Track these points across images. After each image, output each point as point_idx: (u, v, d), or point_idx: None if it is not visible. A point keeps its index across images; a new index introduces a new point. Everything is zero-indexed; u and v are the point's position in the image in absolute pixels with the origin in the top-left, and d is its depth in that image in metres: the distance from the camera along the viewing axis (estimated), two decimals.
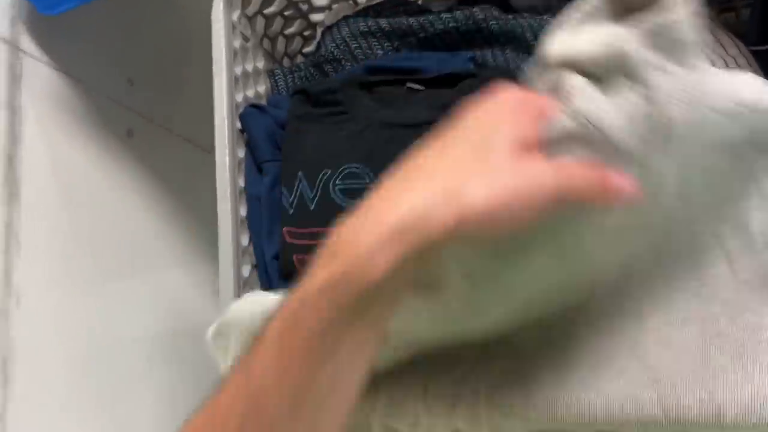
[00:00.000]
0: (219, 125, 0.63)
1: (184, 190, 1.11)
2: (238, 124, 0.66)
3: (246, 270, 0.64)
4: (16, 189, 0.76)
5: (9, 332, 0.71)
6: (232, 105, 0.64)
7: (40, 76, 0.83)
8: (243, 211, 0.65)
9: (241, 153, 0.66)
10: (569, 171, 0.30)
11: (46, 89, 0.84)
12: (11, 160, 0.77)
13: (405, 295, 0.29)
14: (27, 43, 0.81)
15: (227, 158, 0.63)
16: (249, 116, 0.67)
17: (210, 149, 1.25)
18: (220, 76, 0.64)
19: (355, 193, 0.62)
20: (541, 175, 0.28)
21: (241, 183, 0.66)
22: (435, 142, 0.31)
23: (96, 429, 0.80)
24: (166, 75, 1.13)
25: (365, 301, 0.26)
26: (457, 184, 0.27)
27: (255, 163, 0.67)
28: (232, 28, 0.66)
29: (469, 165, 0.28)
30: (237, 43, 0.67)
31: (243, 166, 0.66)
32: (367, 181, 0.62)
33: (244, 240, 0.65)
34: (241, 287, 0.62)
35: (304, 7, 0.74)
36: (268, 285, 0.66)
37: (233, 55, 0.65)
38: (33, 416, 0.71)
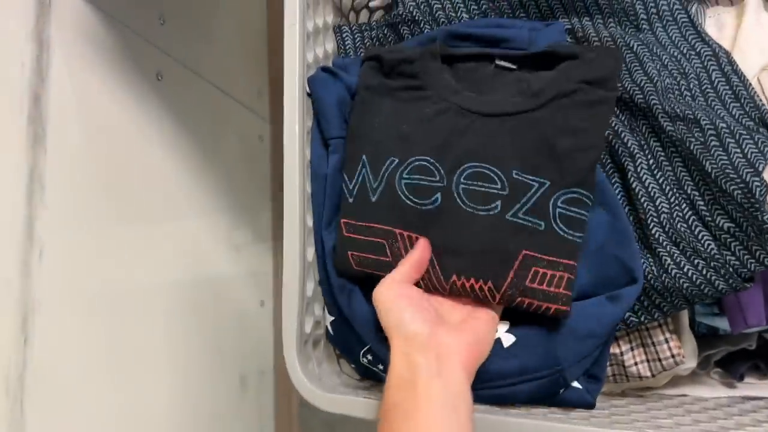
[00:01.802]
0: (289, 89, 0.56)
1: (208, 139, 1.07)
2: (308, 88, 0.59)
3: (310, 253, 0.57)
4: (41, 130, 0.71)
5: (31, 289, 0.67)
6: (304, 66, 0.57)
7: (69, 7, 0.76)
8: (309, 187, 0.58)
9: (309, 121, 0.59)
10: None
11: (75, 22, 0.77)
12: (37, 99, 0.71)
13: None
14: None
15: (297, 127, 0.56)
16: (319, 83, 0.59)
17: (237, 98, 1.19)
18: (293, 30, 0.56)
19: (423, 191, 0.54)
20: None
21: (308, 155, 0.58)
22: None
23: (114, 387, 0.77)
24: (197, 15, 1.07)
25: None
26: None
27: (322, 138, 0.59)
28: None
29: None
30: None
31: (311, 136, 0.59)
32: (437, 180, 0.53)
33: (310, 220, 0.58)
34: (306, 271, 0.56)
35: None
36: (326, 280, 0.59)
37: (306, 8, 0.58)
38: (52, 376, 0.68)
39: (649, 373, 0.59)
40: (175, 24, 0.99)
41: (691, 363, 0.59)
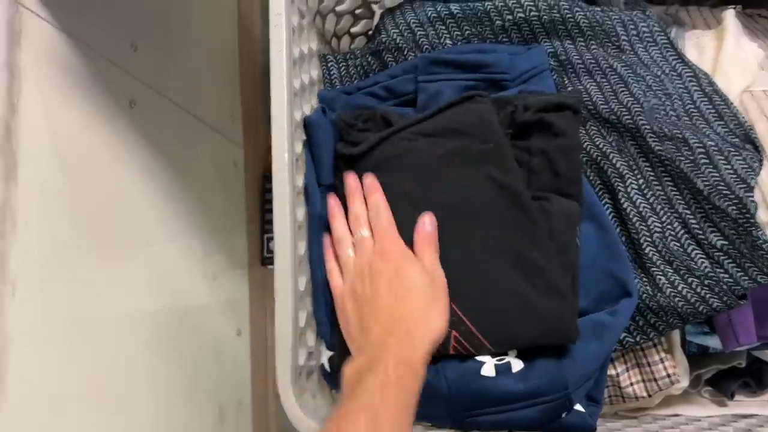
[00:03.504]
0: (277, 116, 0.55)
1: (182, 165, 1.06)
2: (297, 116, 0.58)
3: (302, 283, 0.56)
4: (13, 163, 0.68)
5: (4, 328, 0.65)
6: (291, 93, 0.56)
7: (40, 34, 0.74)
8: (299, 214, 0.57)
9: (299, 148, 0.58)
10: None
11: (46, 50, 0.75)
12: (8, 130, 0.69)
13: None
14: None
15: (286, 154, 0.54)
16: (318, 128, 0.58)
17: (210, 123, 1.18)
18: (280, 58, 0.55)
19: None
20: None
21: (299, 182, 0.57)
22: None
23: (91, 421, 0.75)
24: (169, 42, 1.06)
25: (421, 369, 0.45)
26: (441, 319, 0.49)
27: (318, 180, 0.58)
28: (291, 1, 0.58)
29: (431, 303, 0.49)
30: (295, 20, 0.59)
31: (300, 162, 0.58)
32: None
33: (301, 248, 0.56)
34: (298, 300, 0.54)
35: None
36: (320, 312, 0.57)
37: (292, 34, 0.57)
38: (28, 414, 0.65)
39: (645, 393, 0.59)
40: (147, 51, 0.98)
41: (683, 382, 0.60)
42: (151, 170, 0.97)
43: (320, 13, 0.66)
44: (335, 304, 0.54)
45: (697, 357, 0.62)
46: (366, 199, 0.55)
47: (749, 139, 0.52)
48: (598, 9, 0.60)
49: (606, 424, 0.59)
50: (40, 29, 0.74)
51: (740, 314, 0.56)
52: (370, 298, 0.50)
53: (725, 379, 0.63)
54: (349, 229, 0.55)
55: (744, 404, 0.63)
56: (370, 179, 0.55)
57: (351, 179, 0.56)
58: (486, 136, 0.53)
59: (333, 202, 0.56)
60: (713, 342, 0.60)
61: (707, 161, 0.51)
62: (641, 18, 0.59)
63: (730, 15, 0.59)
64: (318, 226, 0.57)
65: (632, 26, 0.59)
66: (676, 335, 0.59)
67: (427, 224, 0.52)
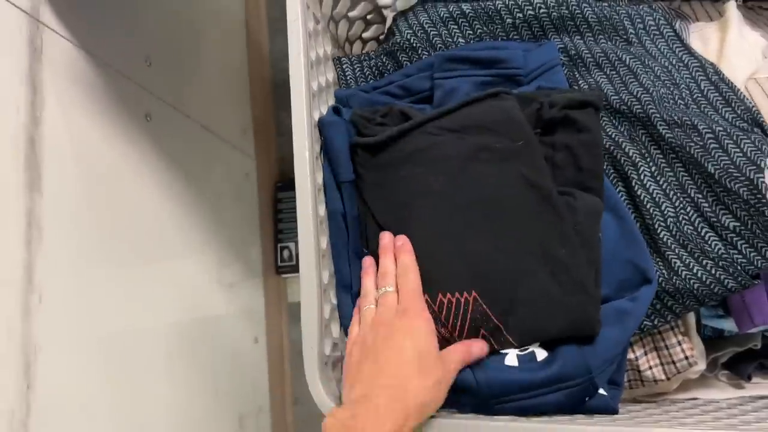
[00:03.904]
0: (297, 116, 0.57)
1: (197, 177, 1.08)
2: (315, 116, 0.60)
3: (326, 276, 0.58)
4: (37, 174, 0.70)
5: (31, 333, 0.66)
6: (310, 94, 0.58)
7: (60, 51, 0.77)
8: (321, 210, 0.58)
9: (317, 148, 0.60)
10: (467, 352, 0.52)
11: (66, 66, 0.78)
12: (33, 142, 0.71)
13: None
14: (47, 15, 0.75)
15: (306, 152, 0.56)
16: (330, 126, 0.60)
17: (223, 136, 1.20)
18: (298, 60, 0.57)
19: None
20: (456, 365, 0.51)
21: (319, 179, 0.59)
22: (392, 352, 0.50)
23: (116, 429, 0.76)
24: (182, 57, 1.09)
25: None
26: (430, 391, 0.48)
27: (335, 179, 0.60)
28: (306, 7, 0.60)
29: (431, 375, 0.49)
30: (311, 25, 0.61)
31: (318, 162, 0.60)
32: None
33: (323, 242, 0.58)
34: (322, 292, 0.56)
35: None
36: (345, 306, 0.59)
37: (308, 38, 0.59)
38: (55, 420, 0.67)
39: (663, 376, 0.60)
40: (161, 66, 1.00)
41: (701, 365, 0.61)
42: (167, 182, 0.99)
43: (333, 18, 0.68)
44: (346, 352, 0.55)
45: (712, 340, 0.64)
46: (396, 258, 0.56)
47: (757, 123, 0.54)
48: (605, 4, 0.62)
49: (627, 407, 0.60)
50: (60, 46, 0.77)
51: (754, 295, 0.57)
52: (375, 350, 0.50)
53: (741, 361, 0.64)
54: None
55: (762, 386, 0.64)
56: (402, 241, 0.56)
57: (386, 238, 0.57)
58: (515, 133, 0.54)
59: (368, 262, 0.58)
60: (728, 325, 0.61)
61: (717, 146, 0.53)
62: (647, 12, 0.61)
63: (731, 7, 0.61)
64: (337, 221, 0.59)
65: (639, 20, 0.61)
66: (691, 318, 0.60)
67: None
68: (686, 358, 0.58)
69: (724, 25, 0.61)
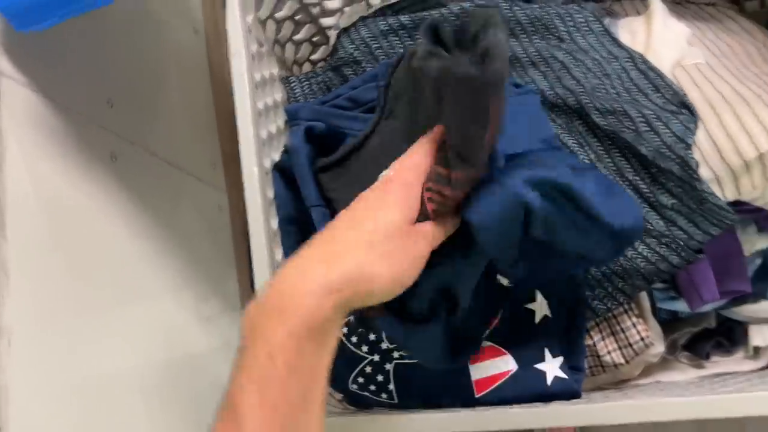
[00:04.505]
0: (243, 134, 0.59)
1: (168, 214, 1.08)
2: (262, 133, 0.61)
3: None
4: (1, 218, 0.71)
5: (1, 377, 0.66)
6: (255, 113, 0.60)
7: (19, 97, 0.78)
8: (274, 224, 0.60)
9: (267, 163, 0.62)
10: (437, 230, 0.43)
11: (25, 112, 0.79)
12: None
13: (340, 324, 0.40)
14: (4, 62, 0.76)
15: (255, 168, 0.58)
16: (295, 149, 0.60)
17: (191, 172, 1.21)
18: (242, 81, 0.59)
19: None
20: (422, 248, 0.42)
21: (270, 195, 0.61)
22: (346, 217, 0.43)
23: None
24: (145, 95, 1.10)
25: (321, 333, 0.38)
26: (369, 264, 0.39)
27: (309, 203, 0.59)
28: (248, 31, 0.62)
29: (376, 246, 0.40)
30: (254, 48, 0.63)
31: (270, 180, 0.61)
32: None
33: (278, 254, 0.59)
34: None
35: (315, 10, 0.70)
36: None
37: (252, 60, 0.61)
38: None
39: (622, 360, 0.61)
40: (124, 106, 1.01)
41: (659, 347, 0.62)
42: (137, 220, 1.00)
43: (279, 42, 0.71)
44: None
45: (669, 323, 0.65)
46: None
47: (684, 104, 0.56)
48: (536, 6, 0.65)
49: (590, 395, 0.61)
50: (19, 94, 0.78)
51: (701, 274, 0.59)
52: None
53: (699, 341, 0.65)
54: None
55: (721, 364, 0.66)
56: None
57: None
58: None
59: None
60: (681, 306, 0.62)
61: (648, 129, 0.55)
62: (576, 10, 0.64)
63: (655, 0, 0.64)
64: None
65: (569, 18, 0.63)
66: (645, 302, 0.62)
67: None
68: (642, 339, 0.60)
69: (650, 18, 0.64)
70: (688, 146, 0.54)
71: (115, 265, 0.91)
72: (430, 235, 0.43)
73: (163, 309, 1.00)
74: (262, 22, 0.66)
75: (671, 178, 0.54)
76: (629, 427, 0.51)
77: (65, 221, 0.81)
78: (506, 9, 0.64)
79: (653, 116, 0.55)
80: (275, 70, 0.69)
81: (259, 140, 0.60)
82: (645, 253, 0.56)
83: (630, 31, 0.65)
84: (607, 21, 0.66)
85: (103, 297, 0.86)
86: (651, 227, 0.56)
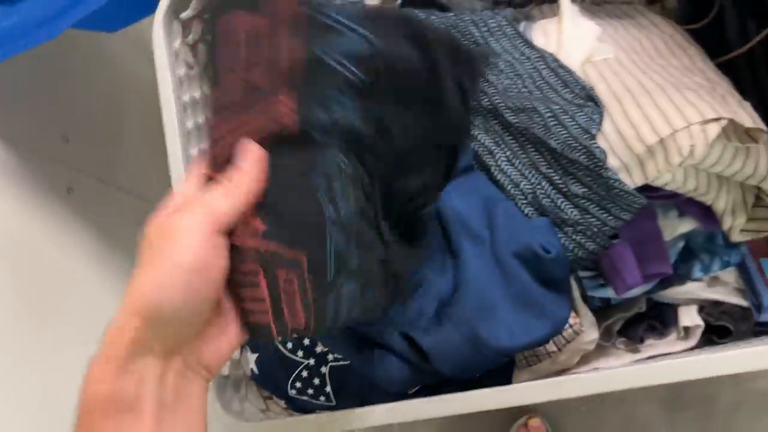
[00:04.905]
0: (172, 154, 0.61)
1: (129, 244, 1.09)
2: (192, 152, 0.64)
3: None
4: None
5: None
6: (184, 130, 0.62)
7: None
8: None
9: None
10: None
11: None
12: None
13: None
14: None
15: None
16: None
17: (152, 199, 1.23)
18: (168, 104, 0.62)
19: None
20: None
21: None
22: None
23: None
24: (101, 127, 1.12)
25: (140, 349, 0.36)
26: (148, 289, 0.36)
27: None
28: (174, 56, 0.64)
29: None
30: (181, 71, 0.65)
31: None
32: None
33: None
34: None
35: None
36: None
37: (179, 83, 0.64)
38: None
39: (554, 347, 0.62)
40: (80, 140, 1.03)
41: (593, 334, 0.63)
42: (98, 254, 1.01)
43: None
44: None
45: (602, 310, 0.67)
46: None
47: (591, 98, 0.59)
48: (452, 14, 0.68)
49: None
50: None
51: (622, 259, 0.60)
52: None
53: (633, 326, 0.67)
54: None
55: (655, 346, 0.67)
56: None
57: None
58: None
59: None
60: (611, 293, 0.64)
61: (556, 122, 0.57)
62: (490, 16, 0.67)
63: (564, 1, 0.67)
64: None
65: (483, 24, 0.66)
66: (575, 290, 0.63)
67: None
68: (571, 326, 0.61)
69: (561, 18, 0.66)
70: (593, 137, 0.56)
71: (78, 300, 0.92)
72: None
73: None
74: (192, 46, 0.69)
75: (580, 168, 0.56)
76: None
77: (22, 260, 0.83)
78: (424, 18, 0.67)
79: (560, 111, 0.58)
80: (206, 89, 0.71)
81: (188, 159, 0.62)
82: (563, 241, 0.58)
83: (544, 33, 0.67)
84: (523, 25, 0.69)
85: (66, 334, 0.86)
86: (566, 216, 0.58)
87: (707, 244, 0.65)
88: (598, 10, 0.72)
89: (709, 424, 1.18)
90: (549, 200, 0.58)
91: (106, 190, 1.08)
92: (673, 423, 1.18)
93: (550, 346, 0.63)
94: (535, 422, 1.20)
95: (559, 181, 0.58)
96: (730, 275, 0.67)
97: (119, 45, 1.16)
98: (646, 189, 0.58)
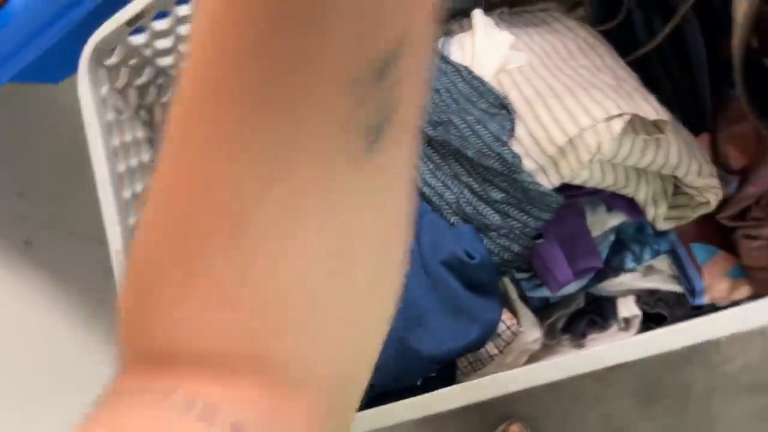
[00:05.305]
0: (103, 197, 0.62)
1: (94, 291, 1.10)
2: (126, 194, 0.65)
3: None
4: None
5: None
6: (115, 174, 0.64)
7: None
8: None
9: (132, 221, 0.65)
10: None
11: None
12: None
13: None
14: None
15: (117, 228, 0.61)
16: None
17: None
18: (96, 149, 0.63)
19: None
20: None
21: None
22: None
23: None
24: (58, 180, 1.13)
25: None
26: None
27: None
28: (102, 102, 0.66)
29: None
30: (111, 116, 0.67)
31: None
32: None
33: None
34: None
35: (175, 72, 0.75)
36: None
37: (108, 129, 0.65)
38: None
39: (495, 350, 0.64)
40: (35, 194, 1.04)
41: (535, 333, 0.65)
42: (63, 302, 1.02)
43: (145, 107, 0.75)
44: None
45: (543, 309, 0.68)
46: None
47: (503, 106, 0.60)
48: None
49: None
50: None
51: (552, 258, 0.62)
52: None
53: (575, 323, 0.68)
54: None
55: (598, 340, 0.69)
56: None
57: None
58: None
59: None
60: (547, 292, 0.65)
61: (470, 132, 0.59)
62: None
63: (476, 14, 0.69)
64: None
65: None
66: (512, 293, 0.65)
67: None
68: (508, 327, 0.63)
69: (474, 31, 0.68)
70: (504, 143, 0.58)
71: (42, 353, 0.92)
72: None
73: (91, 394, 1.01)
74: (121, 91, 0.70)
75: (495, 174, 0.58)
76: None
77: None
78: None
79: (474, 121, 0.59)
80: (140, 134, 0.73)
81: (121, 202, 0.63)
82: (489, 246, 0.59)
83: (460, 46, 0.69)
84: (441, 40, 0.71)
85: (27, 386, 0.87)
86: (489, 222, 0.59)
87: (637, 235, 0.67)
88: (517, 19, 0.75)
89: (686, 412, 1.19)
90: (471, 207, 0.60)
91: (65, 240, 1.09)
92: (650, 415, 1.20)
93: (491, 349, 0.64)
94: (515, 428, 1.21)
95: (479, 189, 0.60)
96: (663, 263, 0.69)
97: (67, 94, 1.18)
98: (569, 188, 0.60)
